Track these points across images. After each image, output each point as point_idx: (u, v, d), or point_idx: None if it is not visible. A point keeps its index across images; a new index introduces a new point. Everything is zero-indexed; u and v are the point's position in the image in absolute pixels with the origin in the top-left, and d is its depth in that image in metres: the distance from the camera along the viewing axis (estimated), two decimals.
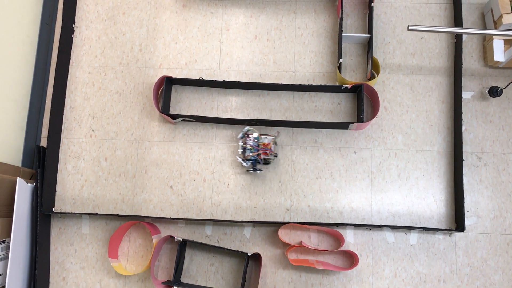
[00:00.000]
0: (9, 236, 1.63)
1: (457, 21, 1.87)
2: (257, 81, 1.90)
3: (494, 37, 1.78)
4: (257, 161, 1.78)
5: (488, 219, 1.75)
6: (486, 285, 1.71)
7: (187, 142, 1.89)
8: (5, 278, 1.59)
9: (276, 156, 1.81)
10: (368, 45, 1.88)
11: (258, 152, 1.76)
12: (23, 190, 1.68)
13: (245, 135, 1.79)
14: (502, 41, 1.78)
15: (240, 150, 1.79)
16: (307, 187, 1.82)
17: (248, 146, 1.76)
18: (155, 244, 1.72)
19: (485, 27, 1.89)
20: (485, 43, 1.86)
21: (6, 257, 1.62)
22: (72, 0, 2.03)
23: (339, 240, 1.77)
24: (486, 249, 1.73)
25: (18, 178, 1.65)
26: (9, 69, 1.79)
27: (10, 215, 1.65)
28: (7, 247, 1.63)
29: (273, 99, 1.90)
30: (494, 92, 1.78)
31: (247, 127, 1.80)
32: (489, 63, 1.84)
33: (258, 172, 1.79)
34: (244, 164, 1.78)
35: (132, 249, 1.84)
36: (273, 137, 1.79)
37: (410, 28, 1.58)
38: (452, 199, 1.77)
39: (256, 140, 1.77)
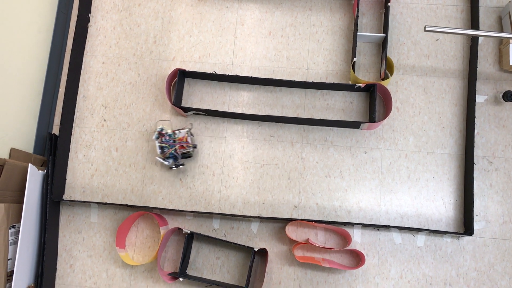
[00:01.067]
0: (19, 221, 1.65)
1: (474, 23, 1.85)
2: (269, 77, 1.90)
3: (510, 41, 1.77)
4: (176, 156, 1.80)
5: (497, 224, 1.74)
6: None
7: (198, 135, 1.89)
8: (14, 262, 1.61)
9: (195, 147, 1.83)
10: (382, 45, 1.87)
11: (174, 147, 1.78)
12: (34, 177, 1.70)
13: (160, 135, 1.81)
14: None
15: (159, 150, 1.81)
16: (316, 185, 1.82)
17: (164, 144, 1.79)
18: (163, 235, 1.73)
19: (502, 31, 1.88)
20: (501, 47, 1.84)
21: (15, 242, 1.64)
22: None
23: (346, 239, 1.77)
24: (494, 254, 1.72)
25: (29, 164, 1.66)
26: (24, 56, 1.80)
27: (20, 201, 1.67)
28: (17, 232, 1.65)
29: (285, 95, 1.90)
30: (508, 96, 1.77)
31: (160, 126, 1.82)
32: (505, 68, 1.82)
33: (181, 166, 1.81)
34: (166, 163, 1.80)
35: (139, 240, 1.85)
36: (186, 129, 1.81)
37: (427, 28, 1.57)
38: (462, 203, 1.77)
39: (170, 137, 1.80)
